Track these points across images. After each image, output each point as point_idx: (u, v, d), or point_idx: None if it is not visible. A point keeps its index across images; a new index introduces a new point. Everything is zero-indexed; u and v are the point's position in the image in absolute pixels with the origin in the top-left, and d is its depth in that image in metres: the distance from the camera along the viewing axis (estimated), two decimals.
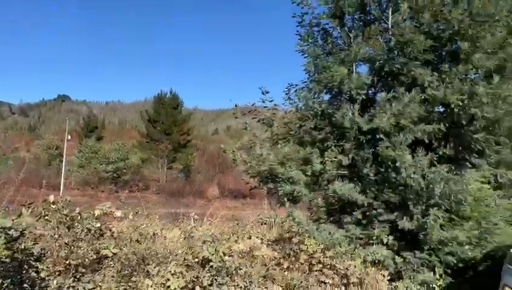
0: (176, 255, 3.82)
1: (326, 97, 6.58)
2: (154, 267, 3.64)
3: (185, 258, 3.80)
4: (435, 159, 5.85)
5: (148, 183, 38.24)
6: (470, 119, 5.46)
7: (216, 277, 3.61)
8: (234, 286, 3.60)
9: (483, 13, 5.27)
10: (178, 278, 3.39)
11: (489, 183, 6.46)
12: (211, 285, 3.51)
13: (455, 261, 5.71)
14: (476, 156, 6.30)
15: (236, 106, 6.31)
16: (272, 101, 6.37)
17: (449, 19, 5.38)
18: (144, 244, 4.17)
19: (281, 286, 4.35)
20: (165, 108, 41.65)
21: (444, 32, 5.54)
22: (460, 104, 5.33)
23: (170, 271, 3.48)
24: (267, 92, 6.26)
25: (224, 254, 3.61)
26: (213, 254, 3.53)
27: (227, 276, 3.75)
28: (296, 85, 6.64)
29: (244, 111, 6.51)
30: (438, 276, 5.55)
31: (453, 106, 5.37)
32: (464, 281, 5.88)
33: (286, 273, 4.72)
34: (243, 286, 3.63)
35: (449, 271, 5.76)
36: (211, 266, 3.55)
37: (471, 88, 5.26)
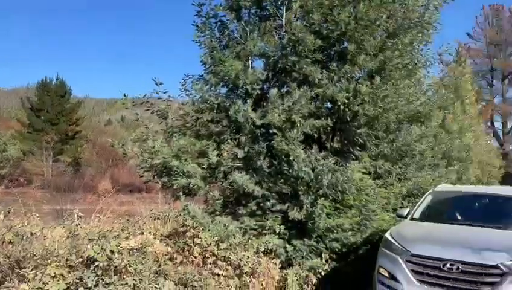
0: (57, 255, 3.50)
1: (224, 90, 6.59)
2: (31, 271, 3.30)
3: (67, 259, 3.51)
4: (323, 152, 6.22)
5: (31, 177, 34.71)
6: (353, 115, 5.89)
7: (103, 277, 3.40)
8: (122, 284, 3.42)
9: (366, 18, 5.71)
10: (58, 280, 3.11)
11: (369, 173, 7.08)
12: (96, 285, 3.29)
13: (339, 247, 6.16)
14: (359, 149, 6.86)
15: (125, 96, 5.98)
16: (166, 92, 6.18)
17: (337, 21, 5.72)
18: (20, 246, 3.76)
19: (174, 281, 4.26)
20: (50, 96, 38.11)
21: (332, 33, 5.87)
22: (346, 101, 5.72)
23: (49, 273, 3.18)
24: (161, 84, 6.05)
25: (112, 252, 3.41)
26: (99, 253, 3.31)
27: (116, 275, 3.55)
28: (193, 76, 6.53)
29: (137, 102, 6.21)
30: (324, 261, 5.94)
31: (339, 103, 5.75)
32: (346, 265, 6.36)
33: (179, 267, 4.65)
34: (132, 285, 3.47)
35: (334, 256, 6.19)
36: (97, 266, 3.33)
37: (356, 87, 5.69)
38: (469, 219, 5.76)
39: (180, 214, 5.42)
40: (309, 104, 5.66)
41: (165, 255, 4.89)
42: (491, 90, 32.78)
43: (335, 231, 6.09)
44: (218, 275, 4.67)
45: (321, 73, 5.76)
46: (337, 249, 6.17)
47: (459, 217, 5.99)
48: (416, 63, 7.03)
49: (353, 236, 6.28)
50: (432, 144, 9.61)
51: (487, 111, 27.74)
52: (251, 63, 6.34)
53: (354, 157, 6.87)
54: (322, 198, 5.89)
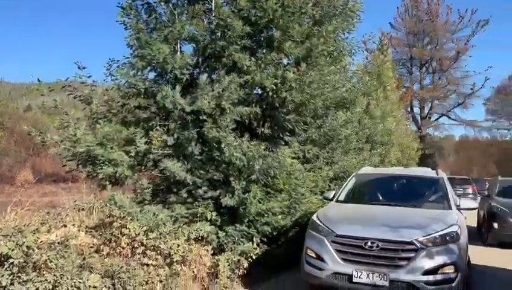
0: None
1: (152, 75, 6.37)
2: None
3: None
4: (254, 138, 6.28)
5: None
6: (282, 102, 5.99)
7: (19, 274, 3.18)
8: (42, 281, 3.23)
9: (293, 5, 5.79)
10: None
11: (298, 158, 7.29)
12: (12, 284, 3.07)
13: (270, 231, 6.29)
14: (289, 134, 7.01)
15: (39, 81, 5.55)
16: (90, 76, 5.85)
17: (265, 8, 5.74)
18: None
19: (100, 274, 4.10)
20: None
21: (260, 19, 5.88)
22: (274, 88, 5.80)
23: None
24: (84, 68, 5.70)
25: (29, 248, 3.19)
26: (13, 249, 3.08)
27: (34, 271, 3.34)
28: (118, 60, 6.23)
29: (56, 87, 5.81)
30: (255, 245, 6.04)
31: (268, 89, 5.81)
32: (277, 247, 6.54)
33: (106, 259, 4.49)
34: (52, 280, 3.28)
35: (265, 240, 6.32)
36: (12, 263, 3.10)
37: (283, 74, 5.78)
38: (388, 199, 6.17)
39: (106, 205, 5.19)
40: (238, 91, 5.65)
41: (91, 247, 4.70)
42: (411, 77, 34.98)
43: (266, 215, 6.20)
44: (148, 265, 4.58)
45: (249, 60, 5.77)
46: (268, 233, 6.30)
47: (380, 198, 6.39)
48: (341, 51, 7.28)
49: (283, 219, 6.45)
50: (356, 129, 10.11)
51: (407, 97, 29.59)
52: (180, 47, 6.18)
53: (284, 142, 7.01)
54: (254, 184, 5.97)
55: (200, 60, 6.36)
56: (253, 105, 5.96)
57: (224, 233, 5.99)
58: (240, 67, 5.76)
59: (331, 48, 6.70)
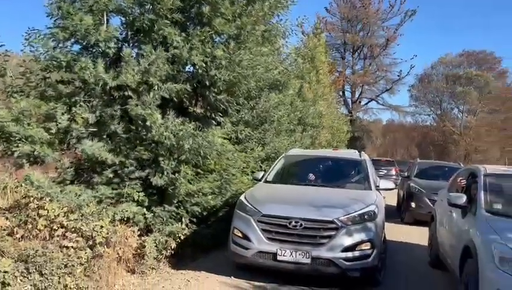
0: None
1: (76, 47, 5.98)
2: None
3: None
4: (184, 117, 6.17)
5: None
6: (212, 80, 5.91)
7: None
8: None
9: None
10: None
11: (230, 139, 7.29)
12: None
13: (200, 211, 6.27)
14: (221, 115, 6.95)
15: None
16: (2, 46, 5.36)
17: None
18: None
19: (13, 258, 3.86)
20: None
21: None
22: (204, 65, 5.70)
23: None
24: None
25: None
26: None
27: None
28: (39, 30, 5.76)
29: None
30: (184, 226, 6.01)
31: (197, 67, 5.71)
32: (206, 227, 6.55)
33: (21, 243, 4.22)
34: None
35: (195, 220, 6.30)
36: None
37: (213, 51, 5.69)
38: (315, 180, 6.40)
39: (21, 185, 4.86)
40: (167, 67, 5.49)
41: (4, 230, 4.39)
42: (344, 62, 36.21)
43: (196, 196, 6.17)
44: (67, 247, 4.37)
45: (180, 35, 5.60)
46: (197, 213, 6.28)
47: (306, 179, 6.61)
48: (274, 32, 7.30)
49: (213, 200, 6.45)
50: (288, 111, 10.28)
51: (339, 81, 30.70)
52: (107, 19, 5.85)
53: (216, 123, 6.96)
54: (184, 164, 5.89)
55: (128, 34, 6.07)
56: (184, 82, 5.82)
57: (152, 214, 5.88)
58: (170, 43, 5.58)
59: (263, 28, 6.69)
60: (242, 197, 5.65)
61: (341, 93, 35.46)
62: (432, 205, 8.67)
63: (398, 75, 35.75)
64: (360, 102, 37.94)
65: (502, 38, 64.20)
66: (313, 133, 14.02)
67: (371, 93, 38.28)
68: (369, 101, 38.81)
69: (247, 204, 5.36)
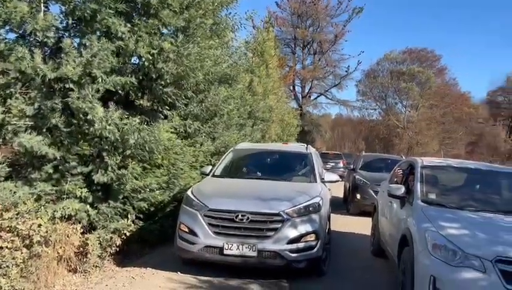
0: None
1: (12, 36, 5.63)
2: None
3: None
4: (130, 110, 6.00)
5: None
6: (159, 73, 5.79)
7: None
8: None
9: None
10: None
11: (179, 133, 7.19)
12: None
13: (147, 207, 6.15)
14: (169, 108, 6.84)
15: None
16: None
17: None
18: None
19: None
20: None
21: None
22: (150, 58, 5.57)
23: None
24: None
25: None
26: None
27: None
28: None
29: None
30: (130, 222, 5.87)
31: (144, 59, 5.56)
32: (154, 223, 6.44)
33: None
34: None
35: (141, 216, 6.18)
36: None
37: (160, 43, 5.57)
38: (262, 174, 6.47)
39: None
40: (112, 59, 5.30)
41: None
42: (294, 57, 36.75)
43: (143, 191, 6.05)
44: (1, 248, 4.14)
45: (125, 26, 5.42)
46: (144, 209, 6.16)
47: (254, 172, 6.66)
48: (223, 26, 7.26)
49: (161, 195, 6.35)
50: (238, 105, 10.29)
51: (290, 76, 31.10)
52: (47, 7, 5.55)
53: (163, 116, 6.83)
54: (130, 159, 5.74)
55: (70, 23, 5.79)
56: (129, 75, 5.65)
57: (96, 211, 5.69)
58: (115, 34, 5.39)
59: (211, 21, 6.63)
60: (189, 192, 5.60)
61: (291, 87, 35.99)
62: (375, 196, 9.04)
63: (346, 71, 36.89)
64: (309, 96, 38.71)
65: (442, 37, 67.83)
66: (263, 127, 14.14)
67: (320, 88, 39.18)
68: (318, 96, 39.71)
69: (194, 199, 5.33)
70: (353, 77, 38.30)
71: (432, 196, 4.93)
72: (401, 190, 5.21)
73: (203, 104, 7.97)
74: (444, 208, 4.63)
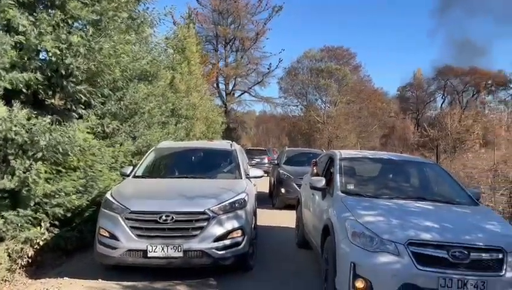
0: None
1: None
2: None
3: None
4: (40, 110, 5.55)
5: None
6: (69, 69, 5.42)
7: None
8: None
9: None
10: None
11: (96, 133, 6.80)
12: None
13: (62, 212, 5.74)
14: (83, 107, 6.44)
15: None
16: None
17: None
18: None
19: None
20: None
21: None
22: (58, 53, 5.18)
23: None
24: None
25: None
26: None
27: None
28: None
29: None
30: (43, 230, 5.44)
31: (51, 54, 5.17)
32: (71, 229, 6.03)
33: None
34: None
35: (56, 223, 5.75)
36: None
37: (68, 37, 5.20)
38: (186, 172, 6.35)
39: None
40: (12, 54, 4.85)
41: None
42: (216, 54, 36.63)
43: (57, 196, 5.63)
44: None
45: (27, 19, 4.98)
46: (60, 215, 5.74)
47: (178, 171, 6.52)
48: (136, 19, 6.99)
49: (78, 199, 5.97)
50: (160, 103, 9.99)
51: (213, 73, 30.97)
52: None
53: (78, 116, 6.42)
54: (39, 162, 5.30)
55: None
56: (34, 71, 5.21)
57: (3, 220, 5.19)
58: (15, 27, 4.93)
59: (126, 15, 6.33)
60: (108, 195, 5.32)
61: (215, 85, 35.87)
62: (299, 189, 9.29)
63: (268, 68, 37.59)
64: (233, 94, 38.88)
65: (357, 36, 71.79)
66: (187, 125, 13.89)
67: (243, 85, 39.51)
68: (242, 93, 40.02)
69: (114, 201, 5.07)
70: (275, 74, 39.18)
71: (351, 187, 5.17)
72: (322, 182, 5.39)
73: (122, 102, 7.63)
74: (361, 197, 4.88)
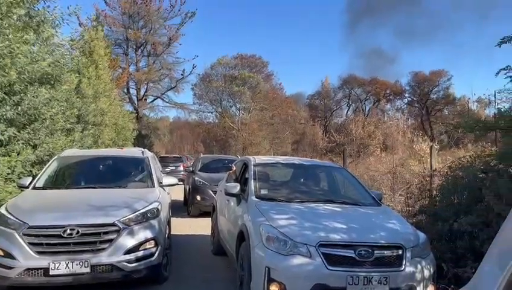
0: None
1: None
2: None
3: None
4: None
5: None
6: None
7: None
8: None
9: None
10: None
11: None
12: None
13: None
14: None
15: None
16: None
17: None
18: None
19: None
20: None
21: None
22: None
23: None
24: None
25: None
26: None
27: None
28: None
29: None
30: None
31: None
32: None
33: None
34: None
35: None
36: None
37: None
38: (94, 182, 5.96)
39: None
40: None
41: None
42: (127, 58, 35.21)
43: None
44: None
45: None
46: None
47: (84, 181, 6.10)
48: (35, 17, 6.47)
49: None
50: (64, 108, 9.32)
51: (123, 78, 29.72)
52: None
53: None
54: None
55: None
56: None
57: None
58: None
59: (23, 12, 5.82)
60: (2, 209, 4.79)
61: (126, 90, 34.49)
62: (215, 196, 9.24)
63: (182, 74, 37.04)
64: (145, 99, 37.68)
65: (270, 46, 73.98)
66: (95, 132, 13.13)
67: (156, 91, 38.48)
68: (154, 99, 38.95)
69: (10, 217, 4.57)
70: (189, 80, 38.71)
71: (265, 191, 5.25)
72: (236, 187, 5.40)
73: (20, 107, 7.01)
74: (275, 201, 4.98)
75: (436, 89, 47.88)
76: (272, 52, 75.76)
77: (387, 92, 50.34)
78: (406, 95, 50.62)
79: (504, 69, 5.34)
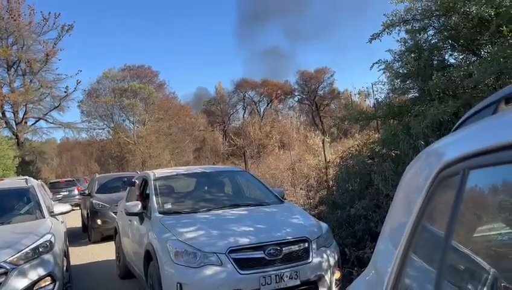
0: None
1: None
2: None
3: None
4: None
5: None
6: None
7: None
8: None
9: None
10: None
11: None
12: None
13: None
14: None
15: None
16: None
17: None
18: None
19: None
20: None
21: None
22: None
23: None
24: None
25: None
26: None
27: None
28: None
29: None
30: None
31: None
32: None
33: None
34: None
35: None
36: None
37: None
38: None
39: None
40: None
41: None
42: None
43: None
44: None
45: None
46: None
47: None
48: None
49: None
50: None
51: None
52: None
53: None
54: None
55: None
56: None
57: None
58: None
59: None
60: None
61: (0, 114, 31.06)
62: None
63: (65, 91, 34.33)
64: (26, 122, 34.23)
65: (159, 54, 72.35)
66: None
67: (38, 112, 35.16)
68: (36, 121, 35.53)
69: None
70: (74, 97, 35.94)
71: (168, 206, 5.08)
72: (137, 206, 5.15)
73: None
74: (180, 214, 4.84)
75: (322, 85, 51.22)
76: (162, 60, 74.08)
77: (279, 92, 52.55)
78: (296, 93, 53.33)
79: (377, 62, 5.90)
